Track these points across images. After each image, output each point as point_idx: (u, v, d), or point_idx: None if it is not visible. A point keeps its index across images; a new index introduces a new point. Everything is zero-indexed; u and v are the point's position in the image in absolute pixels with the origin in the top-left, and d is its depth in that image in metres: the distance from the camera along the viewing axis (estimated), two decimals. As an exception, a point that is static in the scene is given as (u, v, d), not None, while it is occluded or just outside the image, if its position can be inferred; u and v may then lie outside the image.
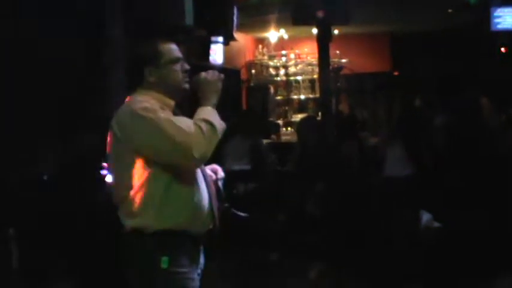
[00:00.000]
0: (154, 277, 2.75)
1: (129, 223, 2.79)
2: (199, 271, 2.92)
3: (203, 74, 2.89)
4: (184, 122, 2.72)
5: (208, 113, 2.79)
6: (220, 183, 3.08)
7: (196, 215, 2.82)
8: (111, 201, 2.91)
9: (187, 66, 2.92)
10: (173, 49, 2.91)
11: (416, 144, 6.90)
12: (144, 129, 2.68)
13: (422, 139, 7.11)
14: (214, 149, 2.77)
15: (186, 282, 2.81)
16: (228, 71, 10.15)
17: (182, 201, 2.77)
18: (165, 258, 2.73)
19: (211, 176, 3.05)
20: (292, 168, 7.48)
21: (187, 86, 2.90)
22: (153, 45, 2.89)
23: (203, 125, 2.71)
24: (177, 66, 2.88)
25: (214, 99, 2.86)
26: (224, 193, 3.06)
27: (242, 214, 3.08)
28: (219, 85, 2.89)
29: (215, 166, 3.15)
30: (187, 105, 2.92)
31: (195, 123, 2.72)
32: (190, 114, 2.82)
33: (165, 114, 2.72)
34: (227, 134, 2.85)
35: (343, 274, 5.85)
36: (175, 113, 2.85)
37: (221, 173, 3.12)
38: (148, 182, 2.73)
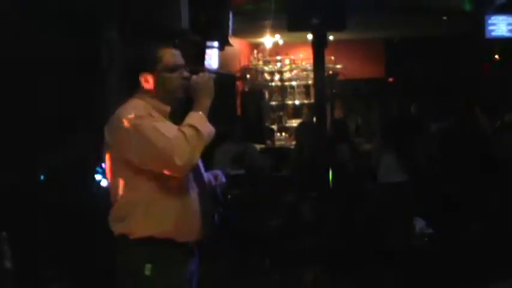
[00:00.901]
0: (138, 284, 2.74)
1: (116, 228, 2.79)
2: (188, 278, 2.87)
3: (194, 78, 2.83)
4: (169, 129, 2.67)
5: (196, 118, 2.72)
6: (218, 189, 3.04)
7: (182, 224, 2.77)
8: (106, 204, 2.91)
9: (186, 74, 2.84)
10: (173, 55, 2.84)
11: (411, 150, 6.92)
12: (129, 137, 2.65)
13: (417, 145, 7.12)
14: (209, 154, 2.74)
15: None
16: (223, 76, 10.15)
17: (167, 211, 2.74)
18: (148, 265, 2.71)
19: (210, 182, 3.02)
20: (288, 173, 7.50)
21: (183, 94, 2.83)
22: (152, 50, 2.82)
23: (187, 131, 2.65)
24: (176, 74, 2.82)
25: (206, 102, 2.79)
26: (221, 199, 3.02)
27: (234, 217, 3.05)
28: (211, 86, 2.82)
29: (216, 171, 3.11)
30: (181, 111, 2.87)
31: (180, 130, 2.66)
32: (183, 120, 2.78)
33: (151, 122, 2.68)
34: (221, 139, 2.81)
35: (338, 278, 5.86)
36: (171, 120, 2.83)
37: (221, 179, 3.08)
38: (135, 189, 2.73)
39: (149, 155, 2.62)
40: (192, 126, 2.67)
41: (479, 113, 7.93)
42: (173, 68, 2.82)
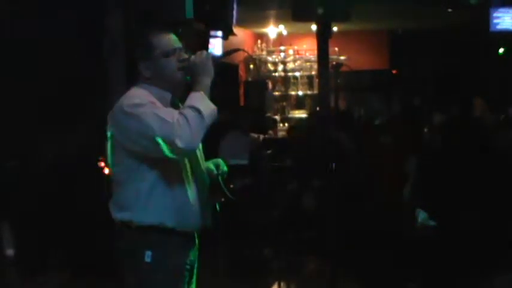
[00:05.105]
0: (138, 271, 2.75)
1: (117, 216, 2.81)
2: (188, 267, 2.87)
3: (192, 58, 2.82)
4: (169, 113, 2.65)
5: (197, 99, 2.69)
6: (220, 178, 3.01)
7: (182, 215, 2.79)
8: (107, 192, 2.92)
9: (184, 56, 2.84)
10: (167, 40, 2.85)
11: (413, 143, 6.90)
12: (130, 125, 2.66)
13: (419, 138, 7.10)
14: (213, 144, 2.73)
15: (170, 279, 2.79)
16: (226, 66, 10.14)
17: (167, 201, 2.75)
18: (148, 253, 2.73)
19: (212, 171, 3.01)
20: (290, 163, 7.49)
21: (183, 76, 2.82)
22: (145, 39, 2.84)
23: (188, 113, 2.62)
24: (172, 58, 2.82)
25: (206, 81, 2.76)
26: (224, 188, 2.98)
27: (231, 197, 3.01)
28: (210, 64, 2.79)
29: (217, 160, 3.10)
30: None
31: (180, 112, 2.64)
32: None
33: (151, 108, 2.67)
34: (226, 129, 2.79)
35: (339, 268, 5.85)
36: (174, 106, 2.82)
37: (223, 168, 3.05)
38: (136, 178, 2.74)
39: (151, 141, 2.61)
40: (192, 107, 2.65)
41: (481, 106, 7.89)
42: (169, 53, 2.82)
